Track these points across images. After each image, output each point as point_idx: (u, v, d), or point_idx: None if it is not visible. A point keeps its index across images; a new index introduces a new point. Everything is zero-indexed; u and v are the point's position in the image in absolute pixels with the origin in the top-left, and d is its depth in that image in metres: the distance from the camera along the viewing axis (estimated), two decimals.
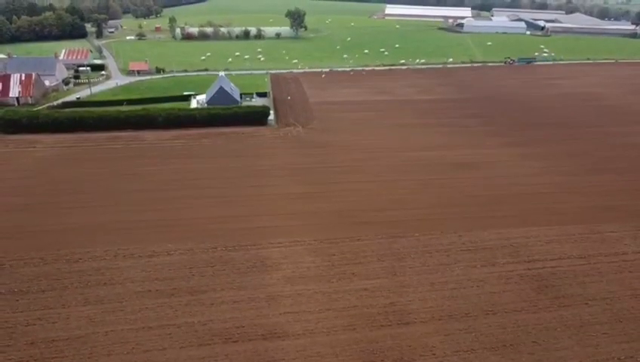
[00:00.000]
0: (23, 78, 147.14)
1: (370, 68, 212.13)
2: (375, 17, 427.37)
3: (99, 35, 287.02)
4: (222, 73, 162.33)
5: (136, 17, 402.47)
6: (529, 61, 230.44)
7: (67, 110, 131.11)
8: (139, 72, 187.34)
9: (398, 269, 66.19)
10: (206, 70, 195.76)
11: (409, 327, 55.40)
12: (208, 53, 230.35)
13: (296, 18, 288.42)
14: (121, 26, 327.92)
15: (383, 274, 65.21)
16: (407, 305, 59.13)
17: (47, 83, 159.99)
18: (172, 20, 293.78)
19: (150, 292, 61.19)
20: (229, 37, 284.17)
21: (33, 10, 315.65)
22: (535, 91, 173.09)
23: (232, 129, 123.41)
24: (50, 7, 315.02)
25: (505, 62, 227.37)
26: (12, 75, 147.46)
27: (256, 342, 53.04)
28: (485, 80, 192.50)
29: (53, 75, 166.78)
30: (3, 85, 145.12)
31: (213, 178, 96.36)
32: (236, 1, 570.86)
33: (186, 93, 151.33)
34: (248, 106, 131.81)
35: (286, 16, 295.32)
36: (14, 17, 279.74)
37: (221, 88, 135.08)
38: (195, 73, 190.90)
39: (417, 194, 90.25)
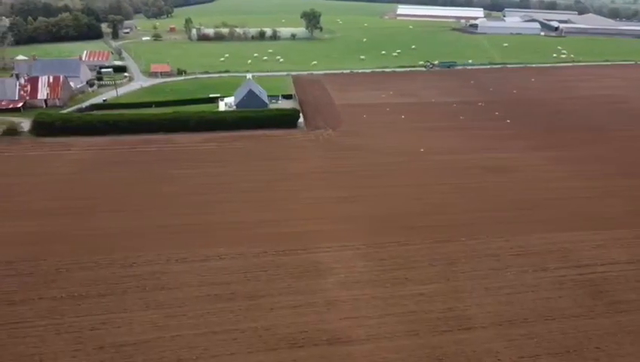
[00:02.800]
0: (51, 80, 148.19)
1: (390, 70, 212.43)
2: (387, 17, 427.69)
3: (114, 35, 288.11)
4: (249, 75, 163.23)
5: (148, 18, 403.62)
6: (450, 65, 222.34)
7: (99, 113, 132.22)
8: (161, 74, 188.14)
9: (450, 274, 66.71)
10: (227, 72, 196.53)
11: (471, 333, 55.91)
12: (226, 55, 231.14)
13: (312, 19, 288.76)
14: (136, 27, 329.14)
15: (436, 278, 65.77)
16: (465, 310, 59.64)
17: (72, 85, 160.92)
18: (188, 21, 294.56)
19: (209, 296, 61.88)
20: (244, 38, 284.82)
21: (48, 10, 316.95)
22: (557, 94, 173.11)
23: (263, 132, 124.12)
24: (66, 8, 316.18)
25: (425, 67, 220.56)
26: (40, 78, 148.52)
27: (321, 347, 53.65)
28: (506, 82, 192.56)
29: (78, 76, 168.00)
30: (31, 87, 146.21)
31: (251, 181, 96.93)
32: (244, 1, 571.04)
33: (212, 96, 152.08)
34: (278, 109, 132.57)
35: (301, 17, 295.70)
36: (29, 18, 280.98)
37: (250, 91, 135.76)
38: (216, 75, 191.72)
39: (455, 199, 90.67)
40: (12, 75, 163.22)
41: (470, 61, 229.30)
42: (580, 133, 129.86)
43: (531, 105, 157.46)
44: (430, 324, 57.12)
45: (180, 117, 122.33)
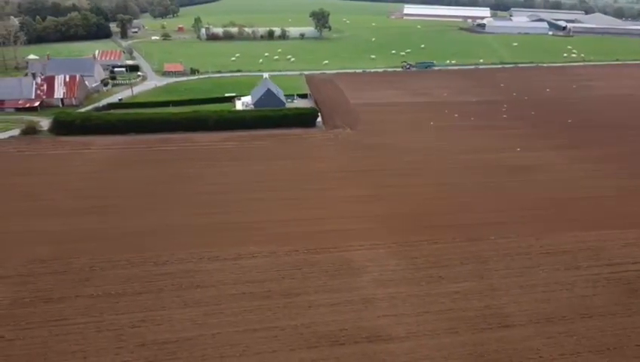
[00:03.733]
0: (67, 79, 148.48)
1: (401, 69, 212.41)
2: (393, 17, 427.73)
3: (123, 35, 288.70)
4: (266, 75, 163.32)
5: (154, 17, 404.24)
6: (427, 66, 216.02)
7: (118, 112, 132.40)
8: (175, 73, 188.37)
9: (483, 272, 66.80)
10: (239, 71, 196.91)
11: (510, 330, 56.01)
12: (237, 54, 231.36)
13: (321, 19, 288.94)
14: (144, 27, 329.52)
15: (469, 277, 65.85)
16: (502, 308, 59.74)
17: (86, 84, 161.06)
18: (197, 21, 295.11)
19: (245, 294, 61.99)
20: (253, 37, 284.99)
21: (57, 10, 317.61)
22: (572, 93, 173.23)
23: (281, 131, 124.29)
24: (74, 7, 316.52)
25: (402, 67, 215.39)
26: (56, 77, 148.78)
27: (362, 344, 53.77)
28: (519, 81, 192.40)
29: (92, 76, 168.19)
30: (48, 86, 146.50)
31: (274, 180, 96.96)
32: (249, 0, 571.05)
33: (227, 95, 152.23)
34: (297, 108, 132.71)
35: (310, 16, 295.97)
36: (38, 18, 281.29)
37: (268, 90, 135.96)
38: (229, 74, 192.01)
39: (481, 198, 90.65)
40: (27, 74, 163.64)
41: (481, 60, 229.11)
42: (600, 132, 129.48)
43: (548, 105, 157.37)
44: (469, 322, 57.21)
45: (199, 116, 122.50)
